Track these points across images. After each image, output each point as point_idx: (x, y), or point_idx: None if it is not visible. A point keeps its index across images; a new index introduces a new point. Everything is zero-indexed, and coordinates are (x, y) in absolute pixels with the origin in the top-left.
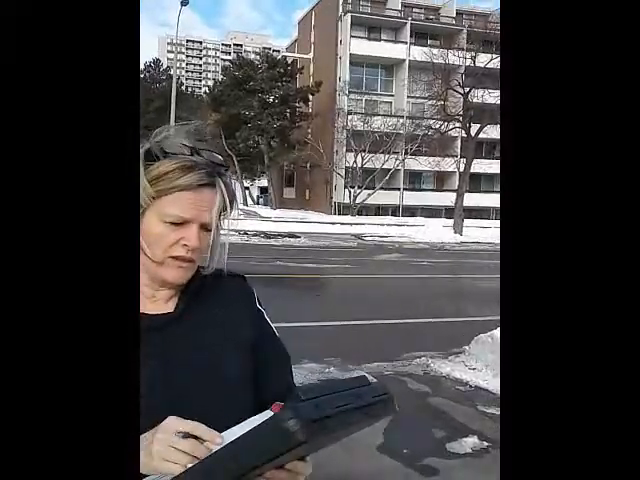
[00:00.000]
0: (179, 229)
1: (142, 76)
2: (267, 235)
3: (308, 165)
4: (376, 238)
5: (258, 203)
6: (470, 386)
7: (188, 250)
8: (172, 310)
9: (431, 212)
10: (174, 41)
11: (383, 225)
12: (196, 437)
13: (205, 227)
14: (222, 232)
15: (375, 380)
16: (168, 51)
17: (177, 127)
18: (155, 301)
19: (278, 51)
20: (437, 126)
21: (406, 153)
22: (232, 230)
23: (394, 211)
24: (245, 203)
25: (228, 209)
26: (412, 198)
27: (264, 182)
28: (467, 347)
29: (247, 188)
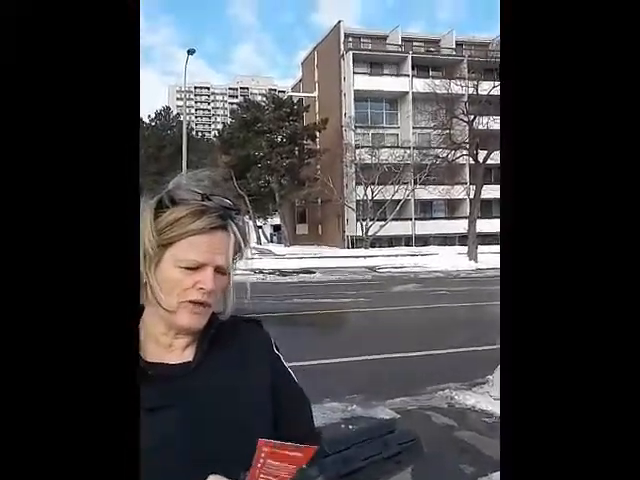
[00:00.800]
0: (194, 273)
1: (153, 124)
2: (282, 272)
3: (319, 201)
4: (391, 269)
5: (272, 241)
6: (496, 417)
7: (204, 293)
8: (190, 359)
9: (444, 240)
10: (182, 88)
11: (397, 256)
12: None
13: (219, 270)
14: (236, 273)
15: (398, 416)
16: (177, 98)
17: (188, 175)
18: (172, 350)
19: (284, 92)
20: (444, 155)
21: (415, 183)
22: (247, 270)
23: (407, 241)
24: (259, 242)
25: (242, 251)
26: (424, 227)
27: (277, 220)
28: (490, 377)
29: (260, 227)
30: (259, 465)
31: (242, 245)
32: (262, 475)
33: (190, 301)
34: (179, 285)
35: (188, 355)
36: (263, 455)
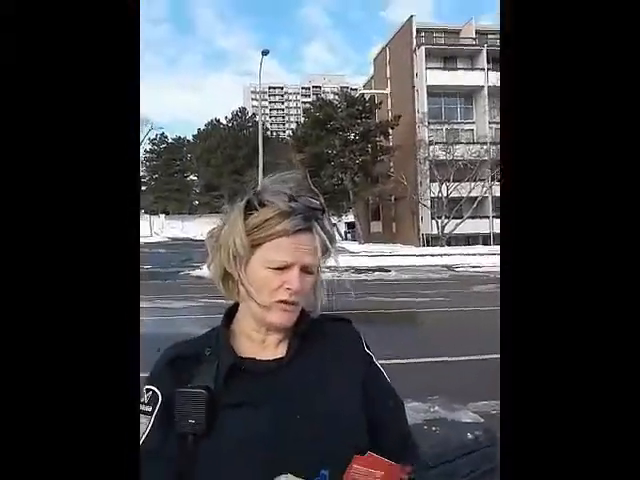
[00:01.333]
0: (281, 274)
1: (230, 125)
2: (357, 270)
3: (393, 198)
4: (468, 268)
5: (346, 238)
6: None
7: (291, 293)
8: (283, 355)
9: None
10: (257, 89)
11: (474, 255)
12: None
13: (306, 270)
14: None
15: (482, 420)
16: (252, 99)
17: (275, 177)
18: (265, 347)
19: (355, 89)
20: None
21: (492, 180)
22: (324, 267)
23: (485, 240)
24: None
25: (330, 250)
26: None
27: (350, 217)
28: None
29: (334, 224)
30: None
31: (329, 244)
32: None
33: (279, 300)
34: (268, 285)
35: (281, 351)
36: (355, 470)
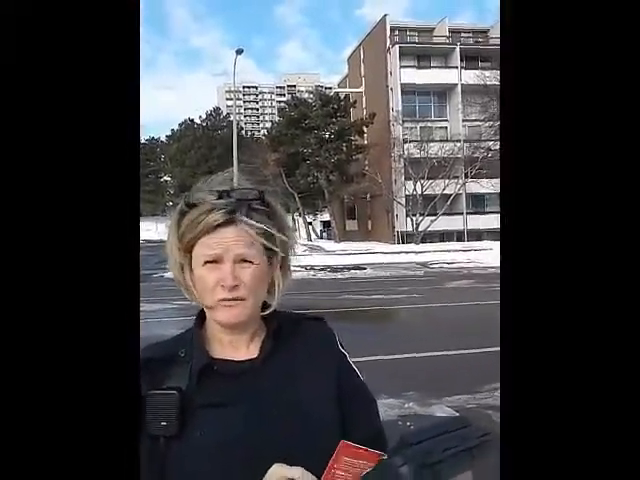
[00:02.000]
0: (215, 271)
1: (204, 124)
2: (333, 269)
3: (368, 196)
4: (443, 265)
5: (322, 237)
6: None
7: (228, 289)
8: (256, 355)
9: (497, 235)
10: (232, 88)
11: (449, 251)
12: None
13: (243, 259)
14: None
15: (457, 414)
16: (227, 99)
17: (205, 179)
18: (237, 347)
19: (330, 88)
20: (496, 147)
21: (466, 177)
22: (298, 266)
23: (459, 236)
24: (309, 238)
25: (274, 239)
26: (476, 222)
27: (326, 216)
28: None
29: (310, 223)
30: (336, 464)
31: (273, 233)
32: (338, 471)
33: (219, 299)
34: (205, 284)
35: (253, 351)
36: (341, 454)
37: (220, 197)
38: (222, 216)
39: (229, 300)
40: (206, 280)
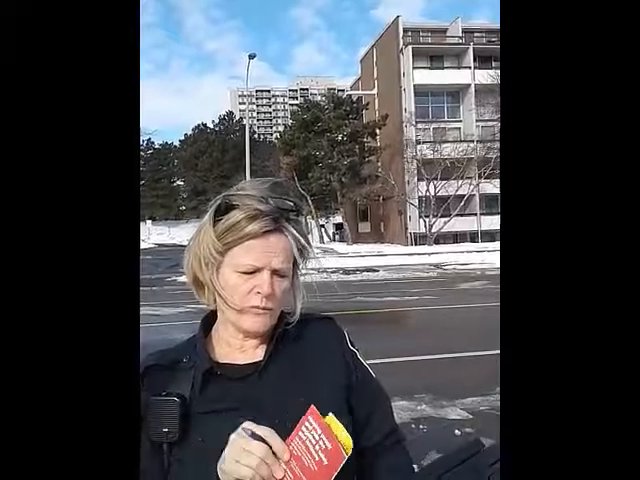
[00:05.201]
0: (251, 278)
1: (217, 129)
2: (346, 271)
3: (381, 198)
4: (456, 266)
5: (334, 240)
6: None
7: (262, 298)
8: (261, 358)
9: None
10: (244, 93)
11: (462, 252)
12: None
13: (277, 273)
14: (300, 276)
15: (471, 417)
16: (240, 103)
17: (251, 181)
18: (244, 351)
19: (343, 90)
20: None
21: (480, 177)
22: (310, 269)
23: (472, 237)
24: (321, 241)
25: (305, 252)
26: (491, 223)
27: (339, 219)
28: None
29: (322, 226)
30: (300, 432)
31: (304, 246)
32: (294, 444)
33: (251, 306)
34: (239, 290)
35: (259, 355)
36: (307, 424)
37: (258, 203)
38: (271, 223)
39: (261, 308)
40: (242, 284)
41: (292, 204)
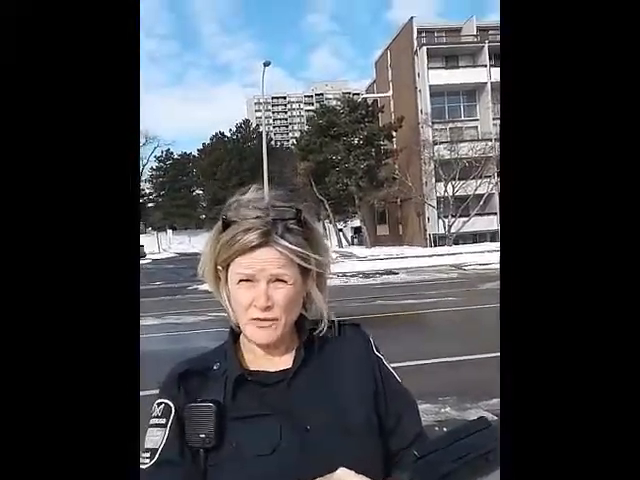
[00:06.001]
0: (250, 290)
1: (234, 137)
2: (365, 275)
3: (399, 200)
4: (477, 267)
5: (353, 243)
6: None
7: (260, 309)
8: (289, 366)
9: None
10: (260, 100)
11: (483, 252)
12: None
13: (279, 279)
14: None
15: (495, 418)
16: (256, 110)
17: (241, 192)
18: (271, 359)
19: (358, 94)
20: None
21: (499, 176)
22: (330, 273)
23: (493, 237)
24: (340, 245)
25: (308, 260)
26: None
27: (357, 222)
28: None
29: (341, 230)
30: None
31: (305, 254)
32: None
33: (252, 318)
34: (240, 302)
35: (287, 362)
36: None
37: (257, 217)
38: (257, 237)
39: (262, 320)
40: (240, 298)
41: (292, 211)
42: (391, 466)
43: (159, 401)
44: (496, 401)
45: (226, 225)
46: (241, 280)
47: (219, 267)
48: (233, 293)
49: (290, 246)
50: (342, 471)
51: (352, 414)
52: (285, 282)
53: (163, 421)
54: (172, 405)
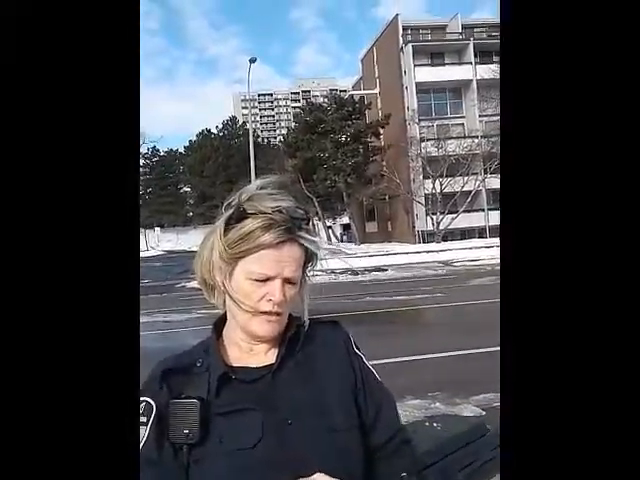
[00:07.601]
0: (264, 285)
1: (221, 134)
2: (354, 271)
3: (387, 197)
4: (466, 263)
5: (342, 240)
6: None
7: (273, 304)
8: (273, 362)
9: None
10: (247, 97)
11: (471, 248)
12: None
13: (289, 281)
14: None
15: (484, 413)
16: (242, 107)
17: (257, 184)
18: (255, 354)
19: (345, 91)
20: None
21: (486, 172)
22: (319, 270)
23: (481, 233)
24: (329, 241)
25: (314, 258)
26: (498, 218)
27: (345, 219)
28: None
29: (330, 227)
30: None
31: (313, 253)
32: None
33: (262, 312)
34: (250, 296)
35: (270, 358)
36: None
37: (272, 212)
38: (284, 234)
39: (272, 314)
40: (254, 291)
41: (302, 212)
42: (372, 461)
43: (140, 399)
44: (483, 396)
45: (241, 217)
46: (255, 279)
47: (224, 260)
48: (241, 286)
49: (307, 245)
50: (319, 476)
51: (333, 409)
52: (294, 282)
53: (144, 419)
54: (153, 404)
